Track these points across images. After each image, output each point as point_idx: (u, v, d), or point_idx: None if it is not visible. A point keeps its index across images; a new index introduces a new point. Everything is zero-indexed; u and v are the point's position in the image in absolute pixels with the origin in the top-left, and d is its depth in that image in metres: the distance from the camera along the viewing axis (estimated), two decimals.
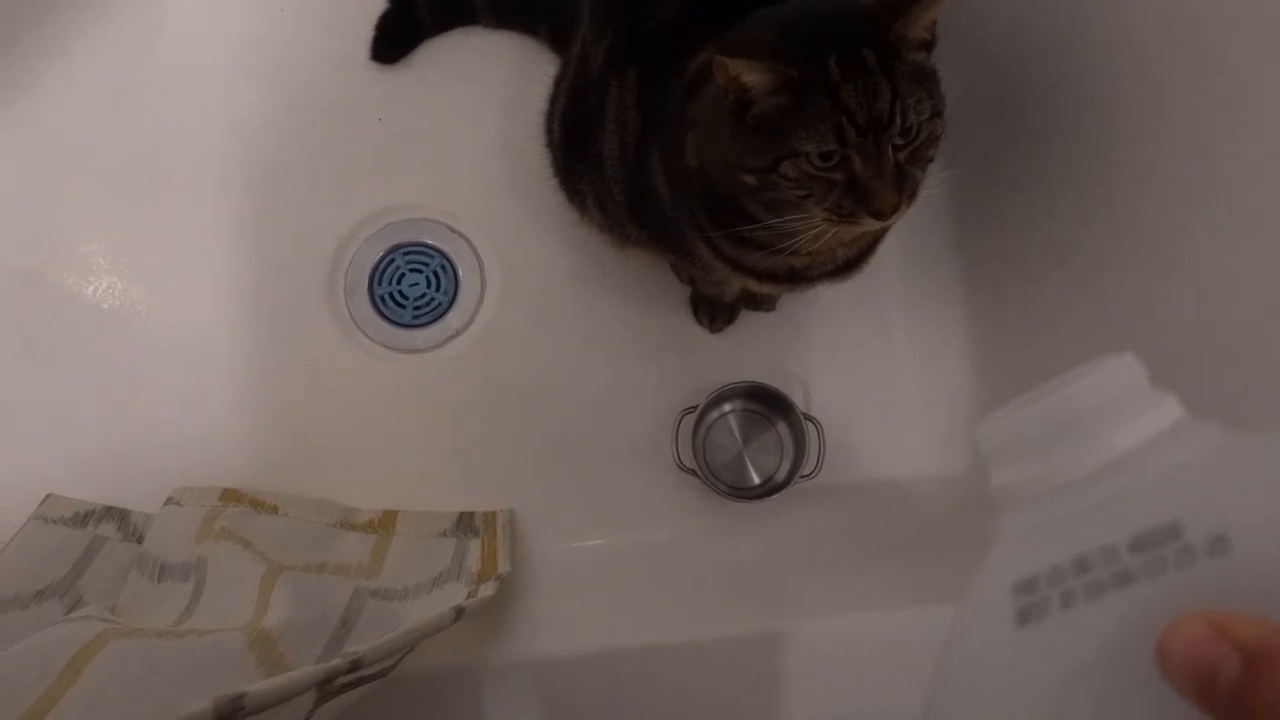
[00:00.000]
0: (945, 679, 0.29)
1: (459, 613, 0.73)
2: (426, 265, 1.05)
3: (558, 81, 0.95)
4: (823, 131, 0.59)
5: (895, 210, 0.62)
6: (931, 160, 0.64)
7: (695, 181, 0.72)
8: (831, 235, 0.66)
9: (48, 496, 0.87)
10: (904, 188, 0.62)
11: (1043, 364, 0.86)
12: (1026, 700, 0.26)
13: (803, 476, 0.93)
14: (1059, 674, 0.25)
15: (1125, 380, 0.28)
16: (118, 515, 0.88)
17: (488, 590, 0.80)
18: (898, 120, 0.59)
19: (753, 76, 0.59)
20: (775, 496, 0.93)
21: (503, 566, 0.86)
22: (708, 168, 0.69)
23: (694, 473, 0.93)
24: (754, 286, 0.81)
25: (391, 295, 1.04)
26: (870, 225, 0.63)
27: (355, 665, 0.62)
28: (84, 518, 0.86)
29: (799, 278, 0.76)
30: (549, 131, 0.96)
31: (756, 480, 0.96)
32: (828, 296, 1.00)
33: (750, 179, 0.64)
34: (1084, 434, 0.28)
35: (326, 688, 0.61)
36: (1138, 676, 0.24)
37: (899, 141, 0.61)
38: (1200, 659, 0.22)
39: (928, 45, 0.62)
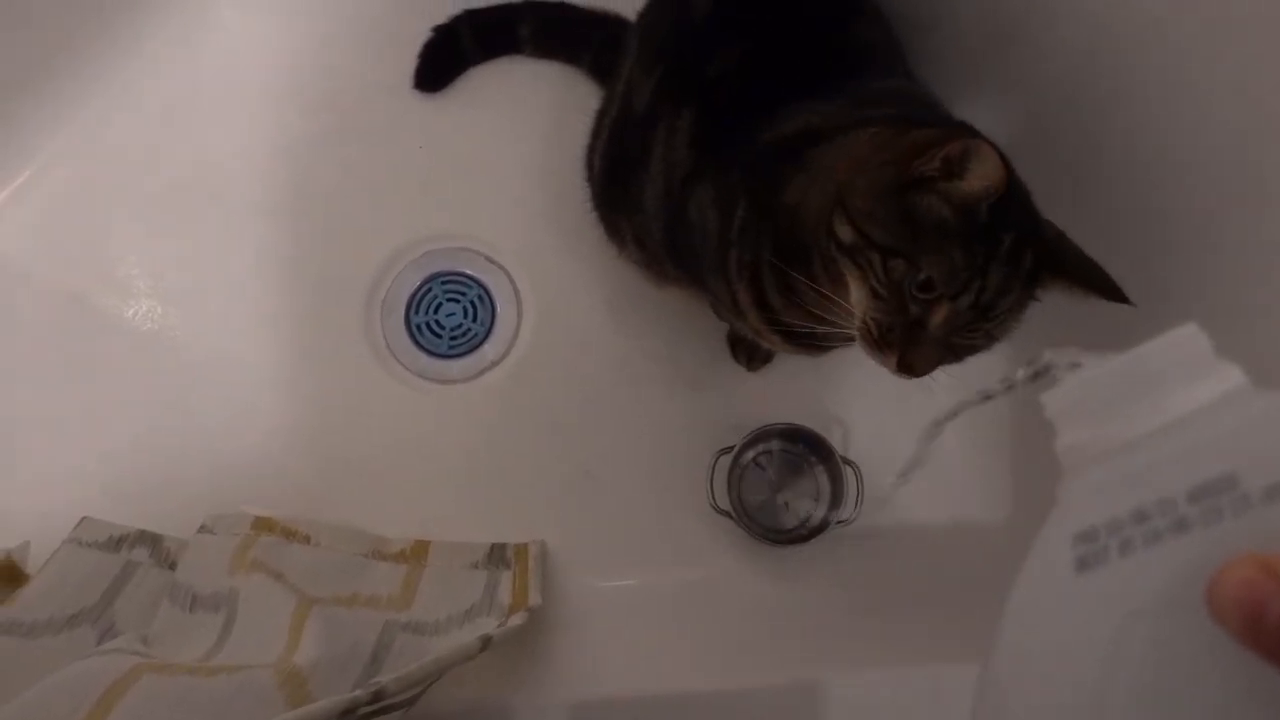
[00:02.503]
0: (1007, 625, 0.29)
1: (485, 642, 0.73)
2: (464, 295, 1.05)
3: (601, 115, 0.95)
4: (949, 272, 0.58)
5: (914, 374, 0.61)
6: (959, 361, 0.63)
7: (779, 219, 0.69)
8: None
9: (83, 520, 0.87)
10: (939, 363, 0.62)
11: None
12: (1084, 642, 0.27)
13: (840, 521, 0.91)
14: (1116, 617, 0.26)
15: (1190, 347, 0.29)
16: (150, 540, 0.88)
17: (516, 621, 0.79)
18: (995, 321, 0.60)
19: (978, 181, 0.57)
20: (812, 541, 0.91)
21: (533, 599, 0.85)
22: (803, 209, 0.66)
23: (729, 515, 0.91)
24: (773, 344, 0.79)
25: (428, 324, 1.04)
26: (889, 366, 0.62)
27: (378, 696, 0.62)
28: (117, 542, 0.86)
29: (817, 346, 0.75)
30: (590, 165, 0.95)
31: (793, 524, 0.95)
32: None
33: (849, 235, 0.61)
34: (1148, 396, 0.29)
35: (349, 718, 0.60)
36: (1191, 619, 0.24)
37: (972, 329, 0.60)
38: (1249, 599, 0.23)
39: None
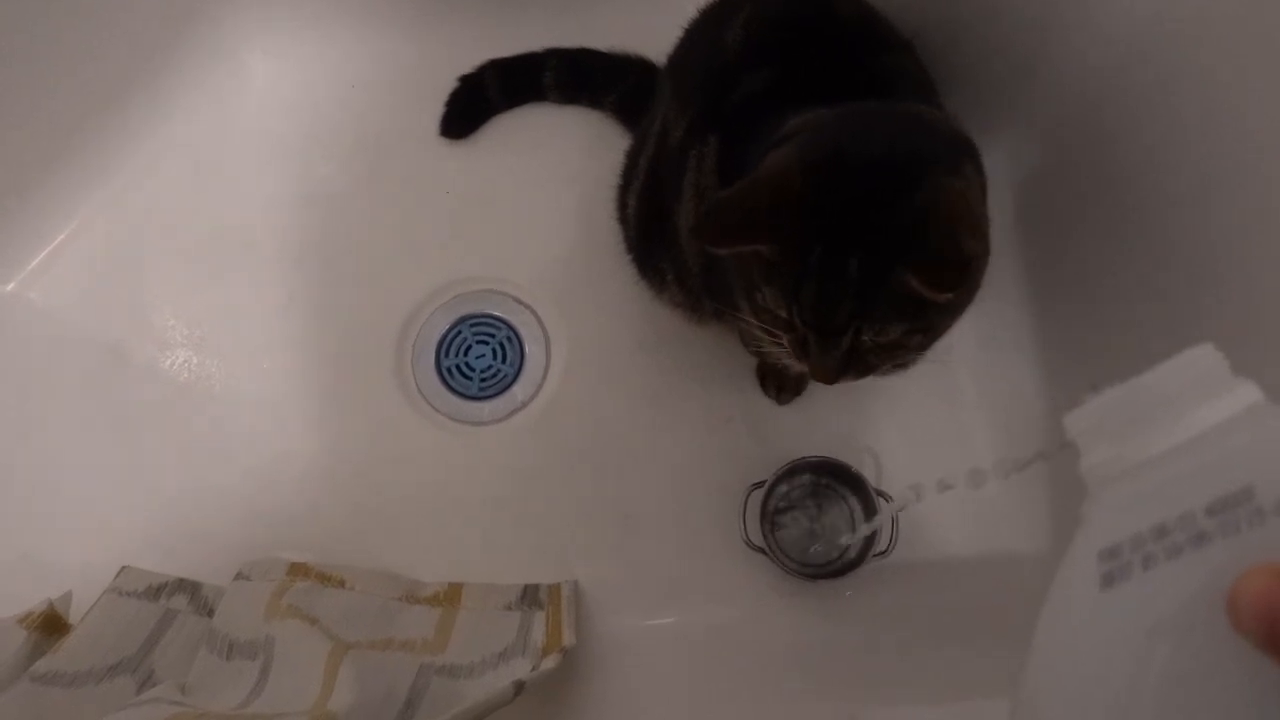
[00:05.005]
0: (1037, 645, 0.30)
1: (518, 688, 0.72)
2: (493, 337, 1.05)
3: (633, 157, 0.96)
4: (778, 302, 0.61)
5: (833, 383, 0.65)
6: (887, 362, 0.65)
7: None
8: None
9: (123, 569, 0.88)
10: (849, 369, 0.64)
11: None
12: (1111, 658, 0.27)
13: (876, 555, 0.89)
14: (1141, 629, 0.27)
15: (1205, 365, 0.30)
16: (189, 588, 0.89)
17: (550, 663, 0.78)
18: (849, 335, 0.60)
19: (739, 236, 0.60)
20: (847, 575, 0.90)
21: (567, 639, 0.84)
22: None
23: (762, 550, 0.90)
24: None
25: (458, 367, 1.05)
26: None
27: None
28: (157, 590, 0.87)
29: None
30: (623, 206, 0.96)
31: (828, 558, 0.93)
32: None
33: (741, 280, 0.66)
34: (1166, 414, 0.30)
35: None
36: (1214, 630, 0.25)
37: (860, 338, 0.61)
38: (1267, 609, 0.23)
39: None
